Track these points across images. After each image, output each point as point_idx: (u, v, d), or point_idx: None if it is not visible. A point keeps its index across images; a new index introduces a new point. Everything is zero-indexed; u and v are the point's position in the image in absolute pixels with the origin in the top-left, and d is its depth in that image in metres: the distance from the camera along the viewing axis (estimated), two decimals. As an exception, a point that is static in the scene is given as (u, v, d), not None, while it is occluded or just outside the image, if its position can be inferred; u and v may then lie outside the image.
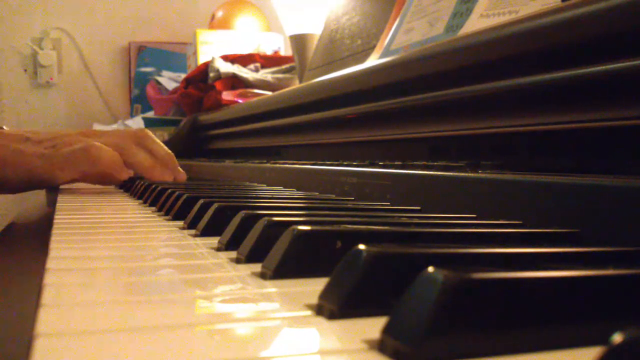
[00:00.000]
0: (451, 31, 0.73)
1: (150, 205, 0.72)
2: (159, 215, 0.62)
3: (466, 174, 0.49)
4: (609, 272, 0.23)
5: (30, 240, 0.64)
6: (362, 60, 0.94)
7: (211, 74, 1.75)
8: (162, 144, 1.00)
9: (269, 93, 1.51)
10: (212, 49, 2.13)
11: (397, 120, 0.70)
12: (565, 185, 0.39)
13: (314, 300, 0.25)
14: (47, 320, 0.23)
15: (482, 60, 0.53)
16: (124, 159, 0.92)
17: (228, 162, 1.25)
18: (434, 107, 0.62)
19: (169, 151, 1.00)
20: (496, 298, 0.20)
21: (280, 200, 0.62)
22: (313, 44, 1.44)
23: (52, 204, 0.73)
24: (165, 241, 0.45)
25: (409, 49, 0.80)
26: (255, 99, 1.41)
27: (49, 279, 0.30)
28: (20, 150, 0.87)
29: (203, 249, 0.41)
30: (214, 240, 0.43)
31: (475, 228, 0.40)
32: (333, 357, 0.20)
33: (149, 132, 0.99)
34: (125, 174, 0.92)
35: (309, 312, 0.25)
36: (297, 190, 0.77)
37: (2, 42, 2.58)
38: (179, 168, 1.01)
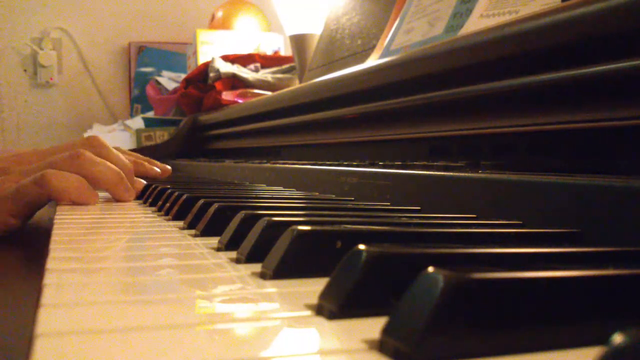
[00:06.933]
0: (451, 31, 0.73)
1: (150, 205, 0.72)
2: (158, 216, 0.62)
3: (466, 174, 0.49)
4: (609, 272, 0.23)
5: (31, 240, 0.64)
6: (362, 60, 0.94)
7: (211, 74, 1.75)
8: (119, 153, 0.80)
9: (269, 93, 1.51)
10: (212, 49, 2.13)
11: (397, 120, 0.70)
12: (565, 185, 0.39)
13: (314, 300, 0.25)
14: (47, 320, 0.23)
15: (481, 61, 0.52)
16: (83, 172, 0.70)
17: (228, 162, 1.25)
18: (434, 107, 0.62)
19: (127, 162, 0.80)
20: (496, 298, 0.20)
21: (280, 200, 0.62)
22: (313, 44, 1.44)
23: (52, 204, 0.73)
24: (165, 241, 0.45)
25: (409, 49, 0.80)
26: (255, 99, 1.41)
27: (49, 279, 0.30)
28: None
29: (203, 249, 0.41)
30: (214, 241, 0.43)
31: (475, 228, 0.40)
32: (333, 357, 0.20)
33: (102, 140, 0.79)
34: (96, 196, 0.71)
35: (309, 312, 0.25)
36: (297, 190, 0.77)
37: (2, 42, 2.58)
38: (134, 181, 0.81)
